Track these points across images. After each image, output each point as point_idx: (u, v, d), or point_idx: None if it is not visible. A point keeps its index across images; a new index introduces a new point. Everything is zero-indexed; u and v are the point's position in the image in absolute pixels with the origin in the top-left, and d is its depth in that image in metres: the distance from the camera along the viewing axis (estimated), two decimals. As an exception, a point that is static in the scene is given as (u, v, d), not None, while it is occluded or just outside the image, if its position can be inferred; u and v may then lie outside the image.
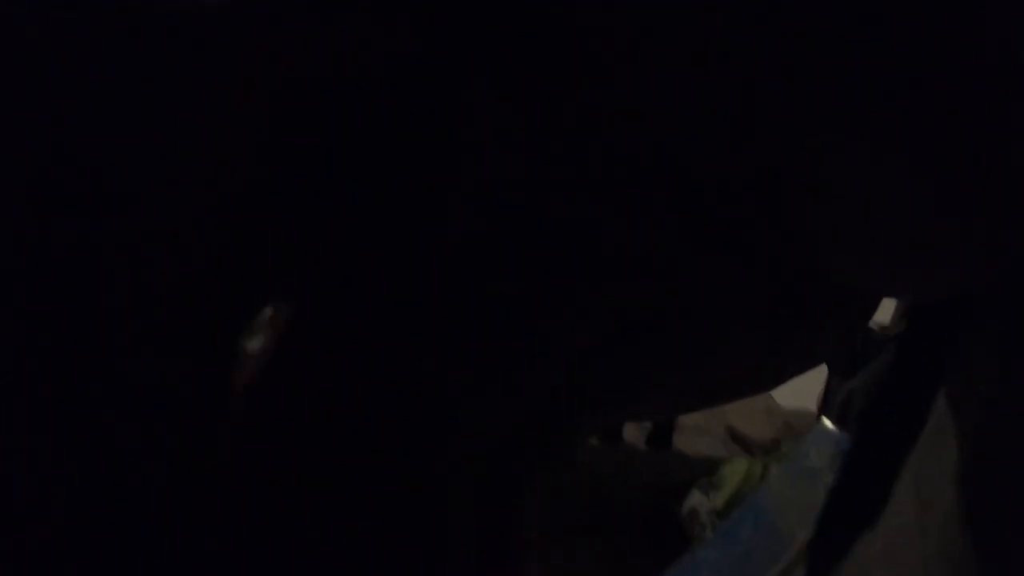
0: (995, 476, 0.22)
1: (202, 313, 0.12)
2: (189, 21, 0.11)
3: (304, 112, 0.13)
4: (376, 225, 0.13)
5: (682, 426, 2.06)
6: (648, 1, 0.13)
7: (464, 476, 0.14)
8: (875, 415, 0.23)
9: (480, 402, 0.14)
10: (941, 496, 0.22)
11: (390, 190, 0.13)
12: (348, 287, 0.13)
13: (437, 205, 0.13)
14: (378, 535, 0.13)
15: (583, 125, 0.13)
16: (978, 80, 0.15)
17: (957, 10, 0.14)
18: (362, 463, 0.13)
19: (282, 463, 0.13)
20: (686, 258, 0.15)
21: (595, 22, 0.13)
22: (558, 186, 0.14)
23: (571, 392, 0.16)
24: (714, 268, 0.15)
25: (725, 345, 0.16)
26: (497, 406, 0.14)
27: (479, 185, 0.13)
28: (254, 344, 0.13)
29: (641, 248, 0.14)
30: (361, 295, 0.13)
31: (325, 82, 0.13)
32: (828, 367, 1.79)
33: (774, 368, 0.18)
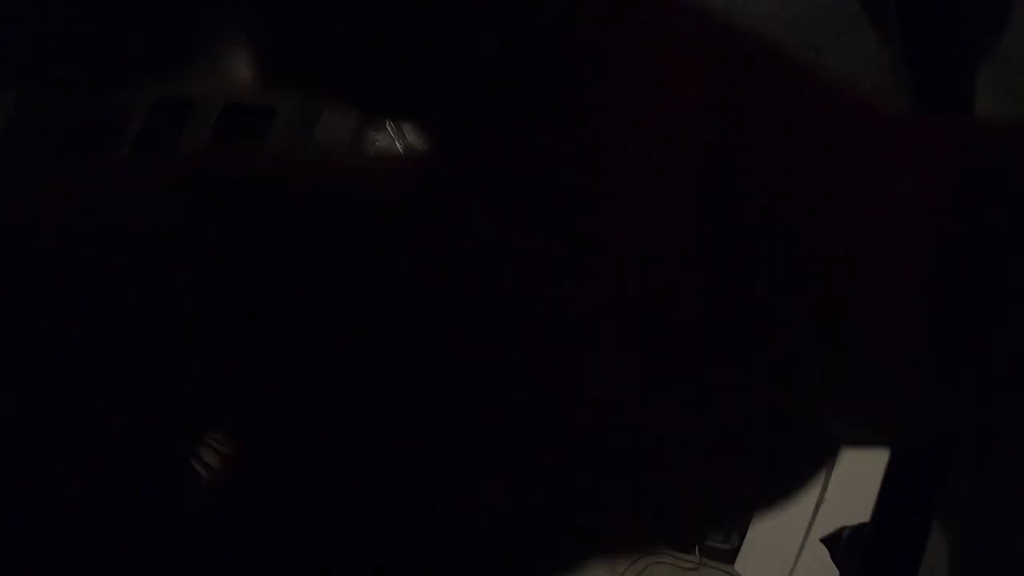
0: None
1: (155, 428, 0.13)
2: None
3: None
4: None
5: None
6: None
7: None
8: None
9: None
10: None
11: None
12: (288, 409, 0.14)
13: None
14: None
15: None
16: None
17: None
18: None
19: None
20: (641, 385, 0.14)
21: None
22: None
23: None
24: (669, 400, 0.14)
25: (676, 483, 0.16)
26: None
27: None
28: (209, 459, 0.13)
29: (597, 369, 0.14)
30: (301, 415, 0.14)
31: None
32: (841, 572, 1.69)
33: (733, 508, 0.18)
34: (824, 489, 2.74)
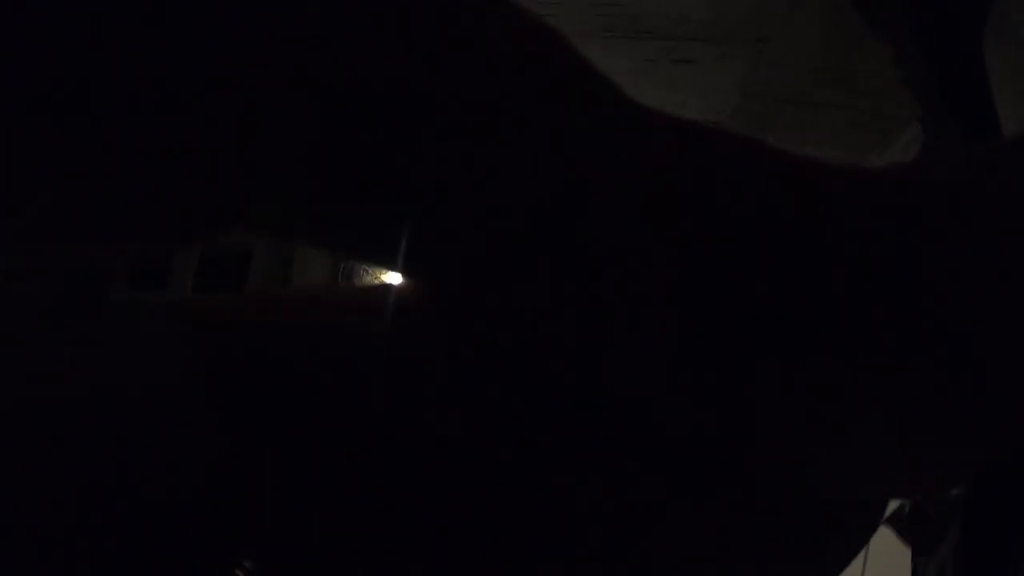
0: None
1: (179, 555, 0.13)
2: None
3: None
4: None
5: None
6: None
7: None
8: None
9: None
10: None
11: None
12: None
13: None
14: None
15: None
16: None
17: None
18: None
19: None
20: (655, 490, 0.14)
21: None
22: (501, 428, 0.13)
23: None
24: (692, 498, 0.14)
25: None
26: None
27: None
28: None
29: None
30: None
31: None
32: (911, 548, 1.65)
33: None
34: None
